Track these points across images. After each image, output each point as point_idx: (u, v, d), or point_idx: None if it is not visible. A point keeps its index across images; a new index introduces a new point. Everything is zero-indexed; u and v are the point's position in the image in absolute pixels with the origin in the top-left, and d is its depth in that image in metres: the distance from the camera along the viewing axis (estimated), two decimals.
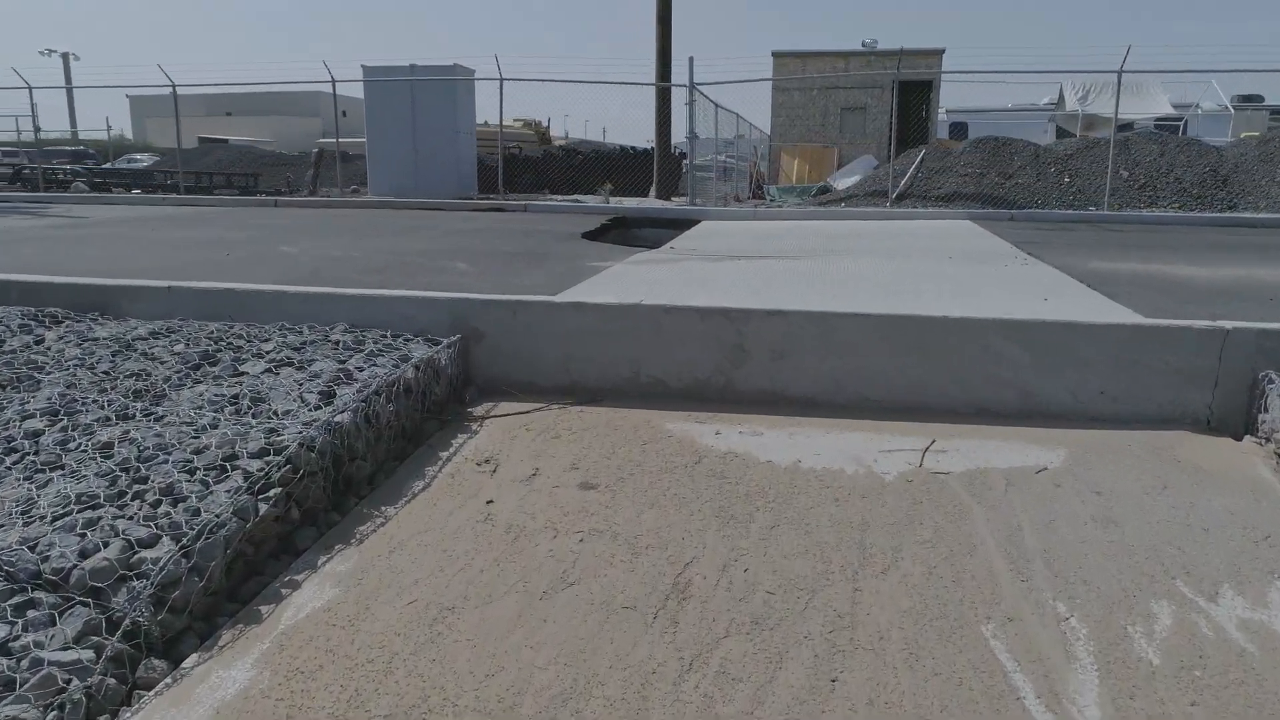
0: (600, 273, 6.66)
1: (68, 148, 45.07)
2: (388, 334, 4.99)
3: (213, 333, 4.97)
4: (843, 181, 22.51)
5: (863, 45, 25.14)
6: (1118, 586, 3.00)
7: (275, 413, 3.97)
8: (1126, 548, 3.26)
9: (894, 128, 15.05)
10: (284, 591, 3.16)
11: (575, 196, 18.19)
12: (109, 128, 34.34)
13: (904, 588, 3.03)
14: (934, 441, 4.19)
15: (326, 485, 3.71)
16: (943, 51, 22.99)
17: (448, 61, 17.97)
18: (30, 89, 16.77)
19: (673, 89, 16.34)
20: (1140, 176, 16.91)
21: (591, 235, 10.15)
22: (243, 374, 4.40)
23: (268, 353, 4.66)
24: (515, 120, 32.48)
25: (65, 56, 71.96)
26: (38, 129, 18.38)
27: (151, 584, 2.85)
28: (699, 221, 12.39)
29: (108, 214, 12.56)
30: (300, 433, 3.69)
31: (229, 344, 4.81)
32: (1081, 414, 4.37)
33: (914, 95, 23.34)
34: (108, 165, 32.48)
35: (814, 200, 19.10)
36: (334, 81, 15.93)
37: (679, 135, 17.11)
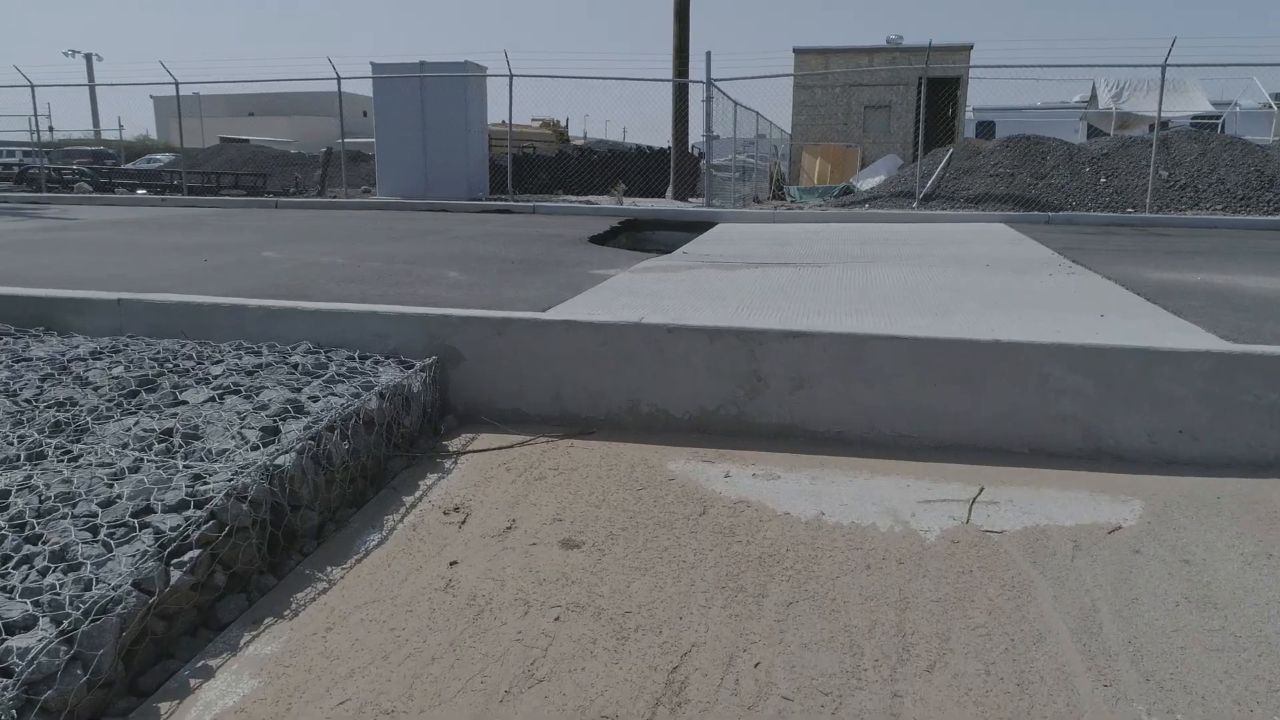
0: (602, 283, 6.07)
1: (88, 148, 45.18)
2: (355, 355, 4.42)
3: (160, 353, 4.42)
4: (866, 182, 21.85)
5: (887, 41, 24.41)
6: (1229, 698, 2.36)
7: (209, 453, 3.41)
8: (1233, 640, 2.61)
9: (922, 124, 14.34)
10: (193, 682, 2.58)
11: (588, 198, 17.62)
12: (120, 127, 34.06)
13: (955, 693, 2.40)
14: (982, 489, 3.55)
15: (261, 542, 3.14)
16: (971, 47, 22.22)
17: (461, 59, 17.46)
18: (33, 87, 16.44)
19: (690, 85, 15.72)
20: (1180, 177, 16.11)
21: (599, 240, 9.56)
22: (182, 404, 3.84)
23: (215, 378, 4.10)
24: (534, 120, 32.02)
25: (89, 57, 72.52)
26: (37, 129, 18.00)
27: (16, 683, 2.28)
28: (715, 224, 11.78)
29: (102, 216, 12.12)
30: (231, 479, 3.12)
31: (175, 367, 4.25)
32: (1157, 457, 3.72)
33: (941, 93, 22.59)
34: (128, 166, 32.34)
35: (836, 201, 18.46)
36: (339, 79, 15.44)
37: (697, 134, 16.50)
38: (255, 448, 3.40)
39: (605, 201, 15.46)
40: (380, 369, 4.28)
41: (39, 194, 16.08)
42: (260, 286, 5.77)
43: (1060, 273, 6.77)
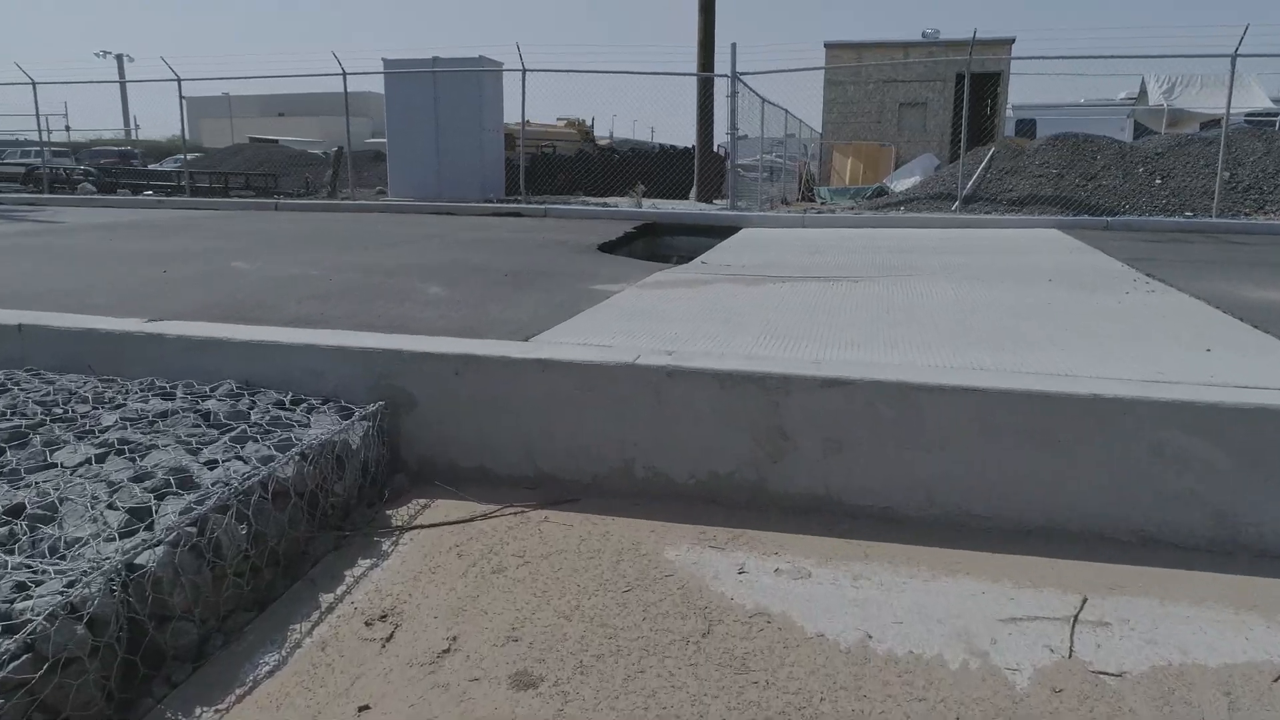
0: (603, 302, 5.21)
1: (114, 148, 45.15)
2: (286, 399, 3.60)
3: (50, 394, 3.63)
4: (901, 183, 20.84)
5: (923, 36, 23.33)
6: None
7: (63, 542, 2.60)
8: None
9: (965, 120, 13.35)
10: None
11: (606, 200, 16.78)
12: (136, 126, 33.77)
13: None
14: (1085, 601, 2.65)
15: (107, 675, 2.32)
16: (1012, 41, 21.10)
17: (475, 54, 16.70)
18: (34, 85, 15.89)
19: (715, 80, 14.82)
20: (1244, 178, 14.94)
21: (610, 247, 8.70)
22: (50, 467, 3.03)
23: (105, 430, 3.29)
24: (559, 120, 31.33)
25: (119, 58, 72.99)
26: (42, 129, 17.49)
27: None
28: (739, 228, 10.89)
29: (93, 219, 11.47)
30: (66, 590, 2.31)
31: (65, 413, 3.45)
32: None
33: (980, 89, 21.48)
34: (143, 166, 32.07)
35: (869, 203, 17.48)
36: (344, 75, 14.74)
37: (723, 133, 15.59)
38: (118, 535, 2.59)
39: (624, 204, 14.62)
40: (314, 417, 3.45)
41: (40, 195, 15.54)
42: (209, 305, 4.98)
43: (1138, 290, 5.81)
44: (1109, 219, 12.05)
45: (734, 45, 12.54)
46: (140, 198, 14.44)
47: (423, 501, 3.42)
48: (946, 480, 3.06)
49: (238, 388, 3.67)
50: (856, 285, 6.01)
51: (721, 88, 13.55)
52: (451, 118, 17.17)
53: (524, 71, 13.86)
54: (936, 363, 3.49)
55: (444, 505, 3.38)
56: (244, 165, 26.38)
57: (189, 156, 36.41)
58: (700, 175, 17.65)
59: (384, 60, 17.02)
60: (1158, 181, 15.09)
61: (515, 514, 3.29)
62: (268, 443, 3.11)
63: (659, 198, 17.38)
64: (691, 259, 8.13)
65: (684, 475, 3.31)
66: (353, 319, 4.62)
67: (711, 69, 15.06)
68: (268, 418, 3.39)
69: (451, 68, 16.61)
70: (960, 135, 18.03)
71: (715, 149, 19.11)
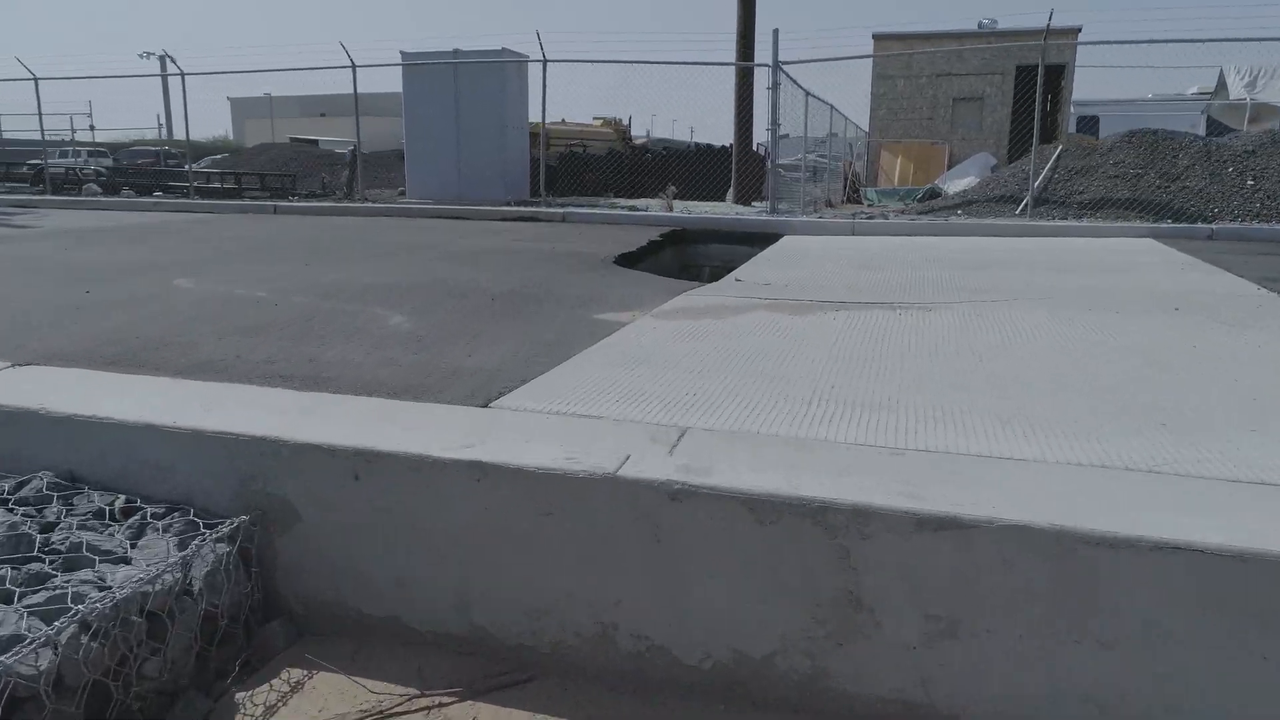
0: (604, 339, 4.03)
1: (151, 148, 45.09)
2: (115, 504, 2.46)
3: None
4: (954, 184, 19.43)
5: (979, 26, 21.80)
6: None
7: None
8: None
9: (1039, 111, 11.94)
10: None
11: (635, 202, 15.61)
12: (159, 125, 33.42)
13: None
14: None
15: None
16: (1078, 30, 19.51)
17: (498, 46, 15.63)
18: (36, 80, 15.12)
19: (754, 71, 13.56)
20: None
21: (628, 259, 7.50)
22: None
23: None
24: (596, 119, 30.35)
25: (163, 59, 73.60)
26: (44, 126, 16.77)
27: None
28: (780, 236, 9.63)
29: (71, 222, 10.55)
30: None
31: None
32: None
33: (1036, 84, 19.90)
34: (191, 166, 31.63)
35: (922, 206, 16.11)
36: (354, 66, 13.71)
37: (763, 130, 14.31)
38: None
39: (655, 206, 13.41)
40: (145, 540, 2.31)
41: (40, 196, 14.76)
42: (106, 339, 3.88)
43: None
44: (1213, 227, 10.57)
45: (775, 31, 11.28)
46: (141, 200, 13.58)
47: (299, 674, 2.24)
48: (1138, 695, 1.81)
49: (52, 485, 2.53)
50: (930, 315, 4.74)
51: (762, 79, 12.30)
52: (473, 114, 16.14)
53: (545, 62, 12.73)
54: (1081, 457, 2.25)
55: (328, 684, 2.21)
56: (268, 165, 25.70)
57: (218, 156, 35.99)
58: (738, 175, 16.41)
59: (401, 53, 16.03)
60: (1250, 183, 13.52)
61: (431, 707, 2.10)
62: (26, 605, 1.96)
63: (693, 199, 16.17)
64: (725, 273, 6.93)
65: (694, 654, 2.10)
66: (269, 366, 3.48)
67: (751, 59, 13.80)
68: (70, 541, 2.25)
69: (473, 59, 15.57)
70: (1021, 132, 16.59)
71: (754, 147, 17.84)
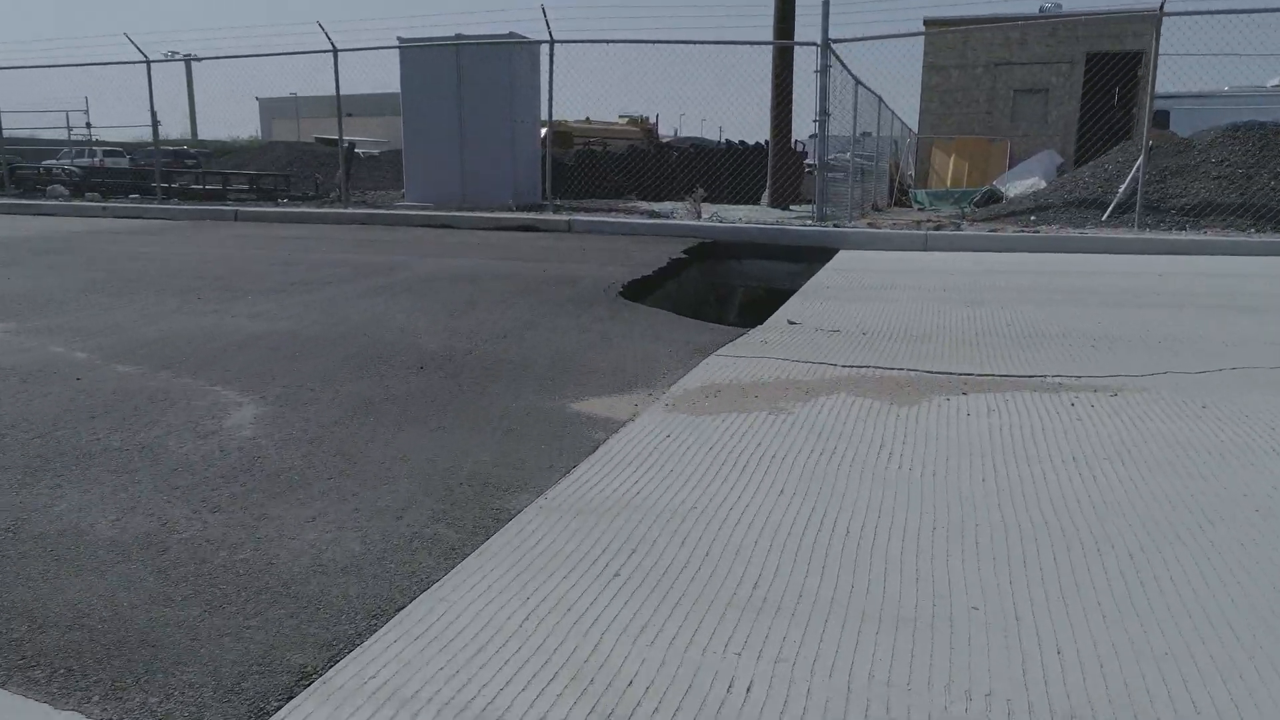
0: (570, 483, 2.19)
1: (169, 148, 44.01)
2: None
3: None
4: (1015, 185, 17.33)
5: (1041, 10, 19.67)
6: None
7: None
8: None
9: (1150, 99, 9.94)
10: None
11: (656, 206, 13.76)
12: (156, 123, 31.83)
13: None
14: None
15: None
16: (1160, 9, 17.29)
17: (506, 30, 13.84)
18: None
19: (795, 51, 11.64)
20: None
21: (641, 287, 5.65)
22: None
23: None
24: (621, 117, 28.59)
25: (187, 60, 72.87)
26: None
27: None
28: (835, 251, 7.75)
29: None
30: None
31: None
32: None
33: (1112, 72, 17.81)
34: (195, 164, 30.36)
35: (985, 212, 14.11)
36: (335, 51, 11.97)
37: (808, 121, 12.38)
38: None
39: (681, 211, 11.55)
40: None
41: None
42: None
43: None
44: None
45: (826, 3, 9.37)
46: (90, 205, 11.94)
47: None
48: None
49: None
50: (1125, 406, 2.84)
51: (805, 62, 10.44)
52: (477, 108, 14.37)
53: (551, 43, 10.93)
54: None
55: None
56: (272, 165, 24.23)
57: (222, 156, 34.63)
58: (774, 176, 14.50)
59: (399, 39, 14.32)
60: None
61: None
62: None
63: (724, 202, 14.28)
64: (769, 303, 5.08)
65: None
66: None
67: (791, 36, 11.88)
68: None
69: (473, 42, 13.81)
70: (1093, 129, 14.49)
71: (793, 144, 15.93)
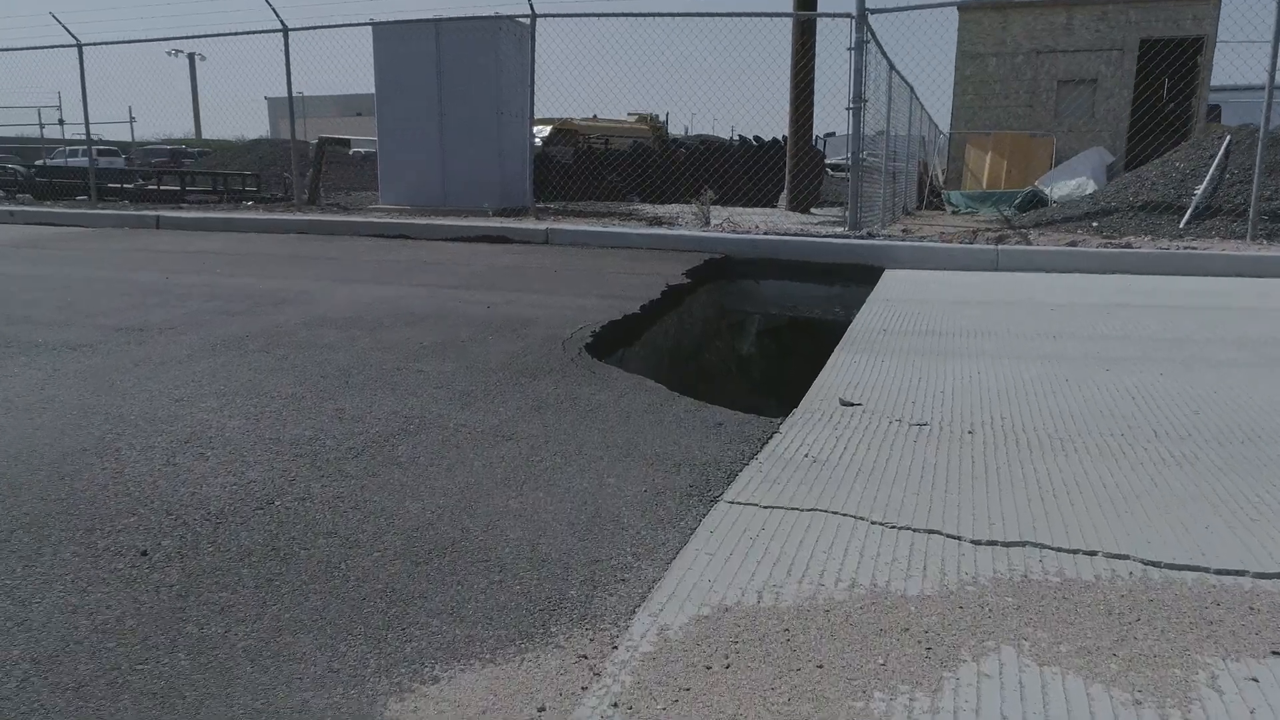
0: None
1: (166, 147, 42.85)
2: None
3: None
4: (1059, 186, 15.57)
5: None
6: None
7: None
8: None
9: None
10: None
11: (662, 210, 12.11)
12: (131, 119, 30.65)
13: None
14: None
15: None
16: None
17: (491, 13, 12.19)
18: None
19: (818, 28, 9.91)
20: None
21: (618, 336, 3.96)
22: None
23: None
24: (629, 115, 27.07)
25: (191, 57, 71.98)
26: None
27: None
28: (879, 271, 6.08)
29: None
30: None
31: None
32: None
33: (1164, 62, 16.00)
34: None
35: (1033, 216, 12.39)
36: (286, 30, 10.33)
37: (836, 111, 10.66)
38: None
39: (688, 215, 9.85)
40: None
41: None
42: None
43: None
44: None
45: None
46: (67, 207, 10.33)
47: None
48: None
49: None
50: None
51: (834, 38, 8.75)
52: (460, 98, 12.73)
53: (533, 17, 9.26)
54: None
55: None
56: (254, 164, 22.77)
57: (206, 153, 33.29)
58: (793, 175, 12.81)
59: (373, 23, 12.71)
60: None
61: None
62: None
63: (737, 205, 12.61)
64: (799, 345, 3.43)
65: None
66: None
67: (814, 7, 10.16)
68: None
69: (454, 20, 12.18)
70: (1148, 122, 12.81)
71: (813, 140, 14.22)
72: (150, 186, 14.61)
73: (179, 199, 14.64)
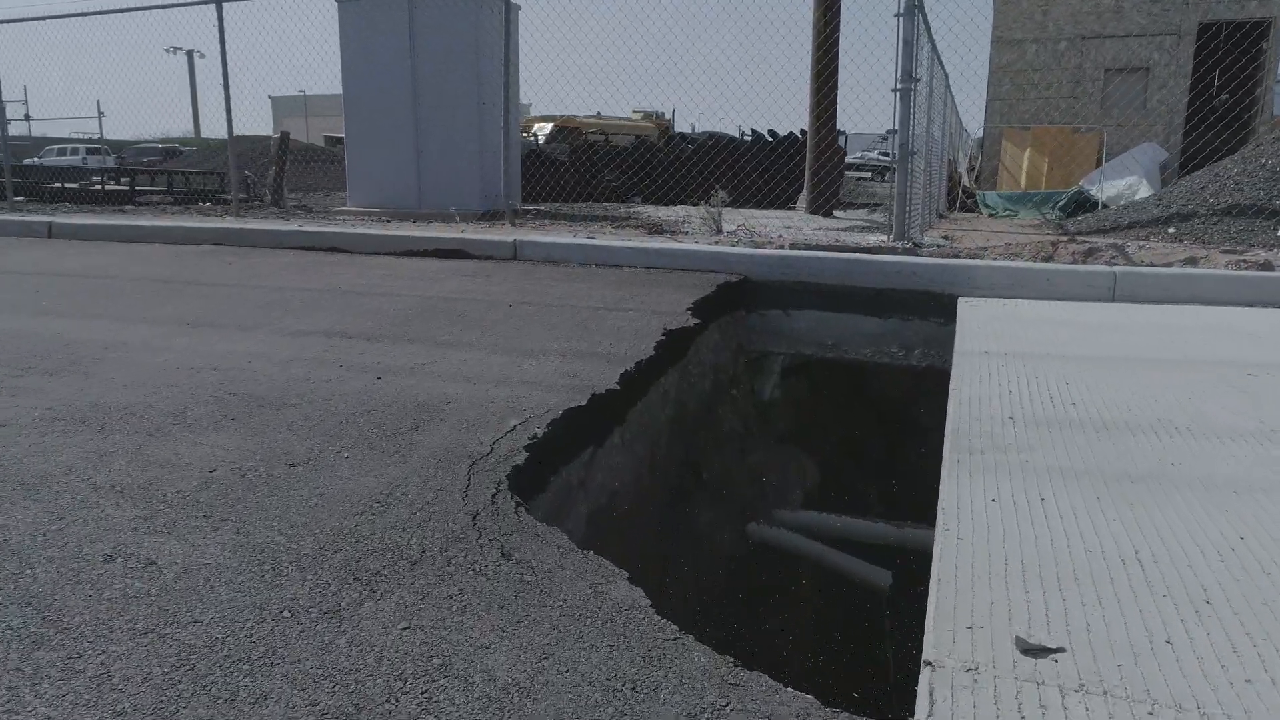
0: None
1: (158, 144, 41.69)
2: None
3: None
4: (1110, 186, 13.96)
5: None
6: None
7: None
8: None
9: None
10: None
11: (663, 215, 10.55)
12: (100, 113, 29.46)
13: None
14: None
15: None
16: None
17: None
18: None
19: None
20: None
21: (576, 439, 2.37)
22: None
23: None
24: (635, 112, 25.64)
25: (190, 54, 70.71)
26: None
27: None
28: (949, 299, 4.52)
29: None
30: None
31: None
32: None
33: (1230, 46, 14.36)
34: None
35: (1091, 221, 10.83)
36: (219, 1, 8.74)
37: (878, 95, 9.11)
38: None
39: (695, 220, 8.24)
40: None
41: None
42: None
43: None
44: None
45: None
46: None
47: None
48: None
49: None
50: None
51: (856, 16, 7.10)
52: (437, 88, 11.18)
53: None
54: None
55: None
56: (236, 161, 21.29)
57: (187, 151, 31.96)
58: (814, 174, 11.25)
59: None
60: None
61: None
62: None
63: (750, 207, 11.02)
64: (842, 396, 2.66)
65: None
66: None
67: None
68: None
69: (435, 9, 10.67)
70: (1207, 114, 11.26)
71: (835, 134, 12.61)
72: (96, 186, 13.11)
73: (128, 200, 13.14)
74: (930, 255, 5.96)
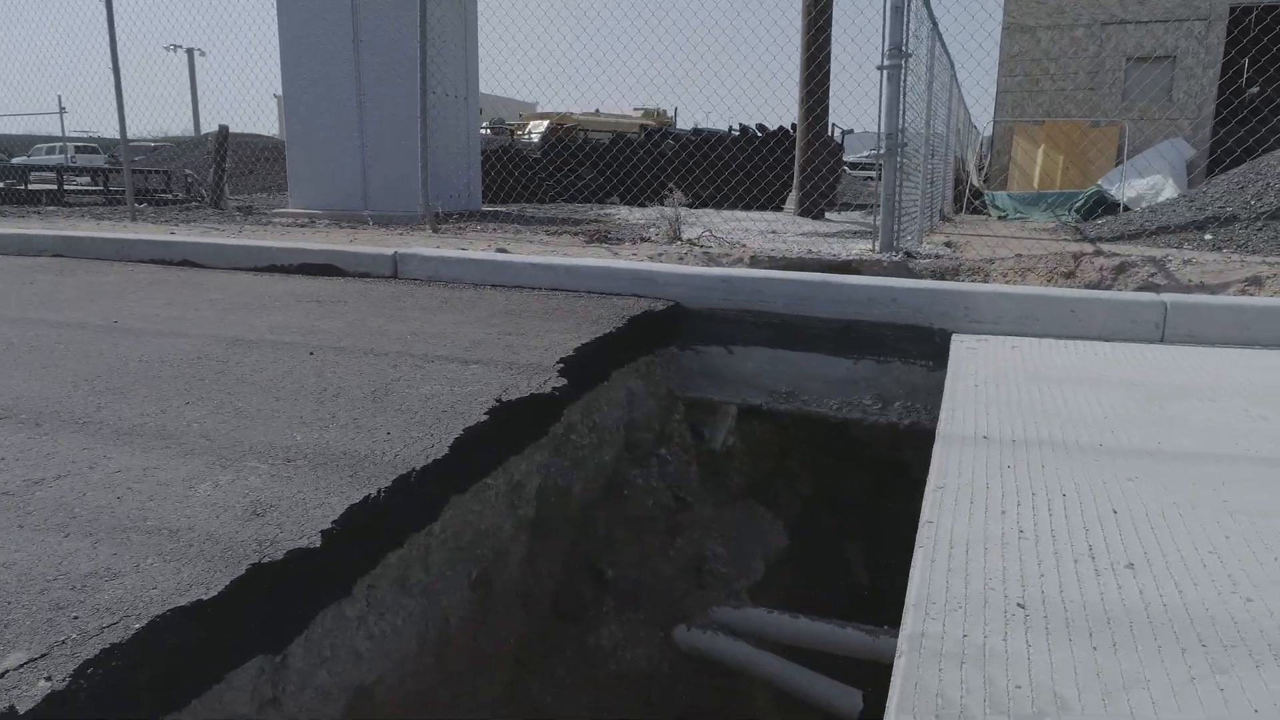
0: None
1: (149, 143, 40.83)
2: None
3: None
4: (1131, 186, 12.73)
5: None
6: None
7: None
8: None
9: None
10: None
11: (633, 218, 9.45)
12: (61, 109, 28.49)
13: None
14: None
15: None
16: None
17: None
18: None
19: None
20: None
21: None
22: None
23: None
24: (635, 109, 24.70)
25: (190, 52, 69.95)
26: None
27: None
28: (942, 336, 3.36)
29: None
30: None
31: None
32: None
33: (1265, 33, 13.10)
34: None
35: (1115, 225, 9.66)
36: None
37: (838, 113, 7.85)
38: None
39: (664, 224, 7.05)
40: None
41: None
42: None
43: None
44: None
45: None
46: None
47: None
48: None
49: None
50: None
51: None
52: (383, 77, 10.05)
53: None
54: None
55: None
56: (196, 161, 20.38)
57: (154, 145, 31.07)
58: (804, 171, 10.07)
59: None
60: None
61: None
62: None
63: (737, 207, 9.82)
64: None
65: None
66: None
67: None
68: None
69: None
70: (1238, 107, 10.05)
71: (830, 131, 11.42)
72: (19, 187, 12.07)
73: (55, 200, 12.10)
74: (924, 268, 4.76)
